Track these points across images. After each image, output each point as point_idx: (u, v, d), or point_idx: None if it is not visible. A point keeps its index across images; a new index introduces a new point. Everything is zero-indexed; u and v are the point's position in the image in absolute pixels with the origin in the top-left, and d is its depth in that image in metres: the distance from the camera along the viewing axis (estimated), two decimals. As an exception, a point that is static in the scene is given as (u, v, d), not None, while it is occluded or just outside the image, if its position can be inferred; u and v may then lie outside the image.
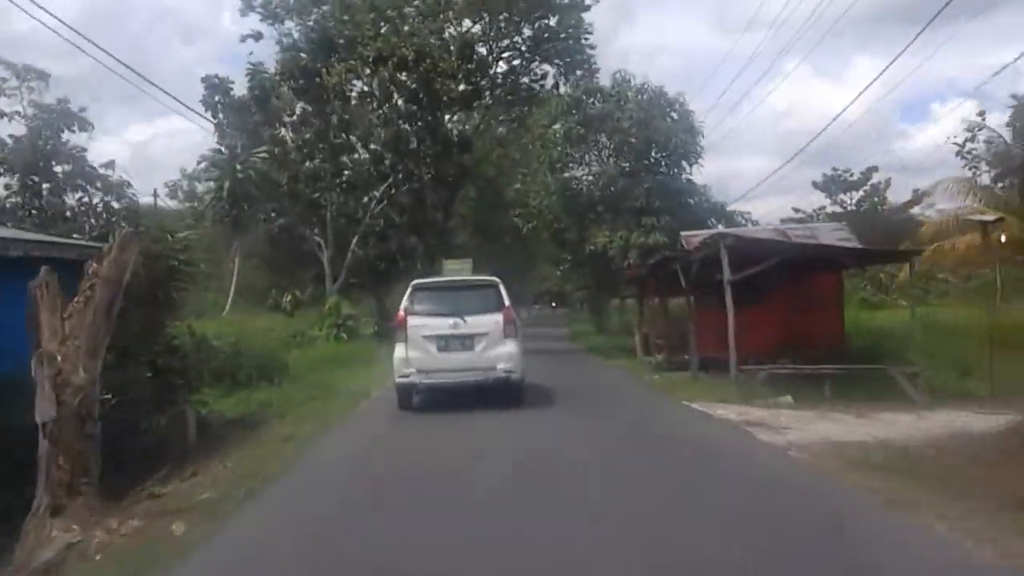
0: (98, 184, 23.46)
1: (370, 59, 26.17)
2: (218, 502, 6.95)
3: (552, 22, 30.85)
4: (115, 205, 23.45)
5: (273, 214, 30.03)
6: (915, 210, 44.35)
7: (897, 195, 51.41)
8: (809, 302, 16.77)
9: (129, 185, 24.89)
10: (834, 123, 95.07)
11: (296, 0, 28.92)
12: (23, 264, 8.25)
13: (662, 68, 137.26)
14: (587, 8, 30.57)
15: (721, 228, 21.63)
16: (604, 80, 28.01)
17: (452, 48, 28.29)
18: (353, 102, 28.48)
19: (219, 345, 13.55)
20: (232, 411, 12.41)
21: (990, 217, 14.75)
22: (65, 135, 25.91)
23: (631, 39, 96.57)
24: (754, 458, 8.24)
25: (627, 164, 24.68)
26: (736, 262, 13.70)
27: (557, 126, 25.73)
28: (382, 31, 26.87)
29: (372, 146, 29.06)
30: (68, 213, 23.69)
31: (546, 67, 32.03)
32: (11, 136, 25.86)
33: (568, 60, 31.33)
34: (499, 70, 31.90)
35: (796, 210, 55.65)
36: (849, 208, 54.67)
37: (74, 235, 18.33)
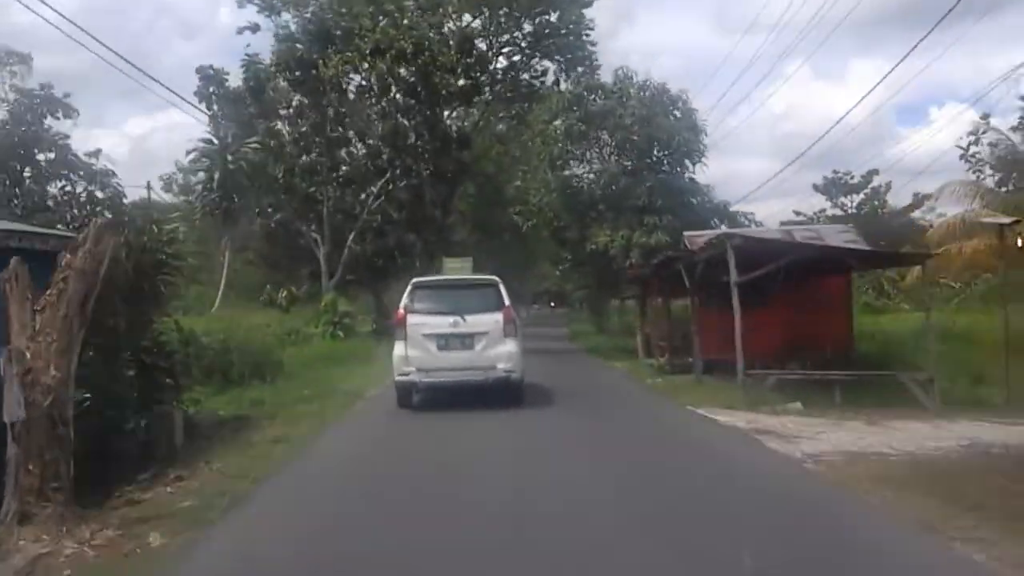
0: (81, 173, 22.56)
1: (367, 51, 25.68)
2: (200, 509, 6.54)
3: (553, 18, 30.51)
4: (99, 195, 22.79)
5: (270, 209, 29.59)
6: (916, 214, 44.25)
7: (898, 199, 51.08)
8: (816, 305, 16.46)
9: (113, 174, 24.05)
10: (834, 125, 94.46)
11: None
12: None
13: (662, 68, 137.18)
14: (588, 4, 30.21)
15: (724, 228, 21.24)
16: (605, 77, 27.65)
17: (451, 43, 27.87)
18: (350, 95, 28.01)
19: (208, 342, 13.11)
20: (224, 410, 12.02)
21: (1007, 220, 14.31)
22: (48, 121, 24.92)
23: (630, 39, 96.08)
24: (767, 470, 7.82)
25: (629, 162, 24.26)
26: (742, 263, 13.30)
27: (558, 122, 25.29)
28: (380, 24, 26.40)
29: (369, 140, 28.60)
30: (50, 202, 22.86)
31: (547, 63, 31.73)
32: (-9, 121, 24.78)
33: (569, 56, 30.99)
34: (499, 66, 31.54)
35: (797, 213, 55.30)
36: (850, 211, 54.37)
37: (58, 226, 17.74)
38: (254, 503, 6.80)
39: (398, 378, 11.97)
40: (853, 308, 17.44)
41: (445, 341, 11.90)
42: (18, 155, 22.98)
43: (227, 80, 26.63)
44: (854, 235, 18.39)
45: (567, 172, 25.73)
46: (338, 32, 26.49)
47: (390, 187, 28.48)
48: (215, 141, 24.89)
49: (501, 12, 30.19)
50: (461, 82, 27.92)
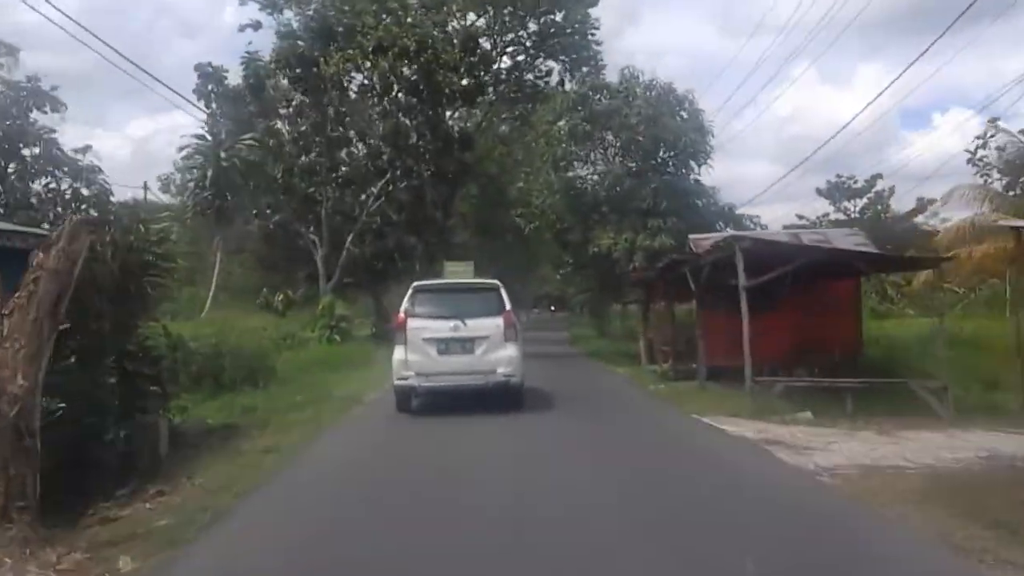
0: (65, 169, 21.81)
1: (370, 49, 25.30)
2: (178, 527, 6.15)
3: (558, 17, 30.22)
4: (84, 192, 21.46)
5: (268, 210, 29.22)
6: (920, 218, 43.91)
7: (901, 203, 50.73)
8: (823, 310, 16.09)
9: (100, 171, 22.81)
10: (841, 130, 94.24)
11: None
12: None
13: (667, 69, 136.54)
14: (593, 3, 29.90)
15: (730, 231, 20.84)
16: (610, 77, 27.23)
17: (455, 42, 27.51)
18: (352, 94, 27.63)
19: (196, 347, 12.72)
20: (214, 417, 11.63)
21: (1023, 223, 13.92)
22: (35, 115, 23.79)
23: (635, 40, 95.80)
24: (779, 483, 7.41)
25: (634, 163, 23.85)
26: (750, 266, 12.93)
27: (562, 123, 24.87)
28: (384, 21, 26.03)
29: (370, 140, 28.19)
30: (33, 199, 22.00)
31: (551, 63, 31.40)
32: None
33: (574, 56, 30.71)
34: (503, 65, 31.19)
35: (800, 217, 55.02)
36: (853, 215, 54.04)
37: (44, 224, 17.24)
38: (237, 518, 6.43)
39: (397, 382, 11.90)
40: (862, 313, 16.96)
41: (445, 345, 11.84)
42: (2, 149, 22.17)
43: (226, 78, 26.28)
44: (863, 239, 18.02)
45: (571, 173, 25.30)
46: (340, 29, 26.12)
47: (390, 188, 28.09)
48: (208, 137, 24.36)
49: (506, 11, 29.88)
50: (464, 81, 27.50)
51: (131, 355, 9.17)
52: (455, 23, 29.65)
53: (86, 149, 22.60)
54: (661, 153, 23.54)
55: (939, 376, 12.85)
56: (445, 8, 29.04)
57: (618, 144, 24.31)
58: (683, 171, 23.67)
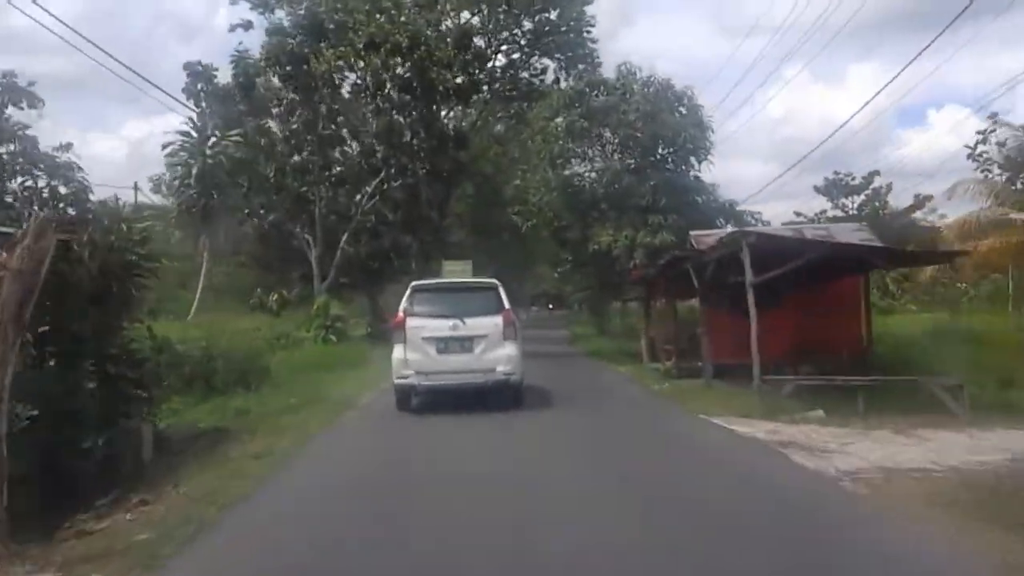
0: (42, 166, 21.09)
1: (361, 45, 24.80)
2: (158, 542, 5.74)
3: (553, 15, 29.80)
4: (62, 190, 20.27)
5: (262, 210, 28.75)
6: (917, 215, 43.71)
7: (899, 200, 50.51)
8: (830, 307, 15.72)
9: (79, 168, 21.56)
10: (839, 129, 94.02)
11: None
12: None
13: (661, 71, 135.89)
14: (589, 1, 29.53)
15: (730, 228, 20.48)
16: (607, 74, 26.80)
17: (449, 40, 27.05)
18: (344, 92, 27.15)
19: (184, 349, 12.30)
20: (205, 421, 11.27)
21: (1039, 215, 13.57)
22: (11, 111, 22.76)
23: (629, 44, 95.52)
24: (800, 489, 6.95)
25: (633, 160, 23.42)
26: (755, 262, 12.54)
27: (559, 120, 24.42)
28: (376, 19, 25.56)
29: (363, 138, 27.70)
30: (9, 198, 21.47)
31: (546, 61, 31.00)
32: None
33: (569, 54, 30.32)
34: (498, 64, 30.77)
35: (798, 214, 54.77)
36: (851, 212, 53.83)
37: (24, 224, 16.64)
38: (221, 532, 6.01)
39: (397, 381, 11.92)
40: (870, 310, 16.59)
41: (444, 344, 11.88)
42: (-23, 147, 21.41)
43: (216, 77, 25.79)
44: (868, 234, 17.65)
45: (568, 171, 24.87)
46: (331, 26, 25.64)
47: (385, 187, 27.60)
48: (193, 134, 23.84)
49: (500, 9, 29.46)
50: (459, 79, 27.01)
51: (113, 358, 8.76)
52: (449, 22, 29.24)
53: (67, 147, 21.88)
54: (660, 149, 23.13)
55: (952, 373, 12.51)
56: (439, 6, 28.63)
57: (616, 141, 23.89)
58: (683, 167, 23.26)
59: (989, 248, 19.84)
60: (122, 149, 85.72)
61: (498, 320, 12.02)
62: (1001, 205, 21.06)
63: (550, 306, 74.46)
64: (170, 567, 5.18)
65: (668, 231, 21.17)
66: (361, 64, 26.29)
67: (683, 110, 23.05)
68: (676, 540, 5.43)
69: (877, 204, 53.98)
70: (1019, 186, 26.55)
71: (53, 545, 5.84)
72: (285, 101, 26.43)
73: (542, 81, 30.76)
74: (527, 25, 30.06)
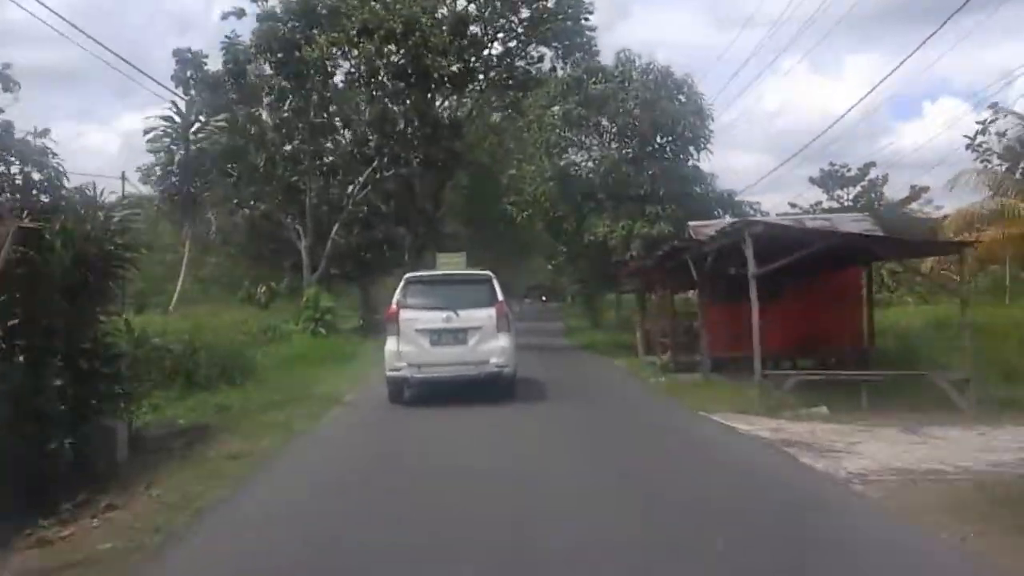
0: (14, 152, 20.42)
1: (354, 31, 24.22)
2: (122, 553, 5.35)
3: (550, 3, 29.18)
4: (36, 176, 20.07)
5: (253, 202, 28.24)
6: (913, 206, 43.47)
7: (894, 191, 50.25)
8: (832, 298, 15.37)
9: (53, 154, 21.16)
10: (836, 122, 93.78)
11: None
12: None
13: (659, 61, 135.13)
14: (586, -13, 28.93)
15: (728, 219, 20.10)
16: (604, 63, 26.24)
17: (444, 27, 26.48)
18: (336, 79, 26.61)
19: (161, 342, 11.85)
20: (186, 417, 10.84)
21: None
22: None
23: (626, 36, 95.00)
24: (810, 495, 6.54)
25: (630, 150, 22.98)
26: (757, 253, 12.14)
27: (556, 108, 23.94)
28: (371, 4, 24.96)
29: (356, 127, 27.14)
30: None
31: (543, 50, 30.42)
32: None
33: (566, 43, 29.72)
34: (494, 52, 30.19)
35: (793, 205, 54.49)
36: (846, 203, 53.55)
37: None
38: (192, 542, 5.61)
39: (390, 373, 11.93)
40: (872, 302, 16.24)
41: (438, 336, 11.93)
42: (-54, 132, 20.73)
43: (206, 64, 25.21)
44: (871, 224, 17.28)
45: (564, 160, 24.41)
46: (324, 12, 25.05)
47: (377, 176, 27.08)
48: (176, 119, 23.24)
49: (497, -3, 28.86)
50: (454, 67, 26.45)
51: (87, 353, 8.32)
52: (444, 10, 28.65)
53: (44, 133, 21.12)
54: (659, 138, 22.70)
55: (957, 367, 12.18)
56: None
57: (614, 129, 23.45)
58: (681, 157, 22.84)
59: (991, 239, 19.59)
60: (115, 142, 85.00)
61: (492, 312, 12.00)
62: (1004, 195, 20.80)
63: (543, 298, 74.17)
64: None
65: (666, 221, 20.79)
66: (355, 53, 25.75)
67: (683, 98, 22.61)
68: (681, 545, 5.08)
69: (873, 196, 53.79)
70: (1018, 176, 26.30)
71: (9, 555, 5.43)
72: (276, 89, 25.81)
73: (539, 70, 30.25)
74: (524, 13, 29.41)
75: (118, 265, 9.09)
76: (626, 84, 22.82)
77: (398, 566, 4.89)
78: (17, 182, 9.55)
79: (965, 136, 33.66)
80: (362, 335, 25.40)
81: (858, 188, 55.08)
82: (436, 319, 11.91)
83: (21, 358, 7.74)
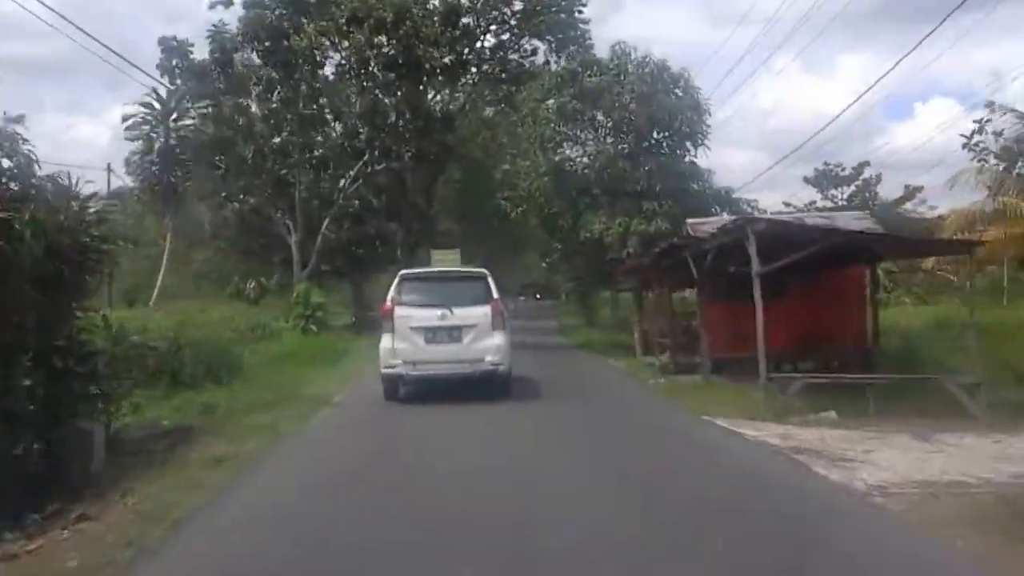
0: None
1: (344, 20, 23.69)
2: (94, 569, 4.98)
3: (544, -6, 28.73)
4: (4, 164, 19.35)
5: (243, 195, 27.67)
6: (907, 206, 43.34)
7: (888, 191, 50.16)
8: (835, 298, 15.04)
9: (24, 140, 20.42)
10: (832, 121, 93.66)
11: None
12: None
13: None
14: (580, -20, 28.52)
15: (726, 216, 19.75)
16: (599, 56, 25.80)
17: (436, 17, 25.98)
18: (326, 70, 26.03)
19: (141, 340, 11.37)
20: (170, 418, 10.41)
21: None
22: None
23: (619, 30, 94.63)
24: (828, 509, 6.14)
25: (626, 145, 22.57)
26: (760, 251, 11.77)
27: (551, 101, 23.49)
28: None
29: (346, 119, 26.58)
30: None
31: (536, 43, 30.00)
32: None
33: (560, 36, 29.32)
34: (487, 44, 29.76)
35: (787, 204, 54.34)
36: (840, 203, 53.44)
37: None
38: (166, 558, 5.20)
39: (385, 371, 11.90)
40: (876, 303, 15.91)
41: (433, 334, 11.90)
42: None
43: (192, 52, 24.60)
44: (872, 223, 16.96)
45: (559, 155, 23.96)
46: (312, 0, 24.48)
47: (368, 170, 26.55)
48: (156, 105, 22.61)
49: (490, -13, 28.39)
50: (447, 59, 25.95)
51: (61, 350, 7.86)
52: (435, 1, 28.17)
53: (19, 119, 20.55)
54: (655, 133, 22.28)
55: (963, 369, 11.86)
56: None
57: (610, 124, 23.02)
58: (678, 152, 22.44)
59: (993, 239, 19.33)
60: (106, 134, 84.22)
61: (487, 310, 11.97)
62: (1005, 194, 20.54)
63: (537, 296, 73.88)
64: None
65: (663, 218, 20.40)
66: (345, 44, 25.22)
67: (679, 92, 22.20)
68: (692, 562, 4.71)
69: (867, 195, 53.70)
70: (1015, 175, 26.10)
71: (-35, 574, 5.01)
72: (264, 79, 25.22)
73: (532, 63, 29.83)
74: (517, 4, 28.96)
75: (95, 258, 8.64)
76: (622, 77, 22.40)
77: None
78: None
79: (962, 135, 33.46)
80: (354, 332, 24.93)
81: (852, 187, 55.07)
82: (431, 316, 11.86)
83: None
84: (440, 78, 27.25)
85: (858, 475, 6.96)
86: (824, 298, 14.86)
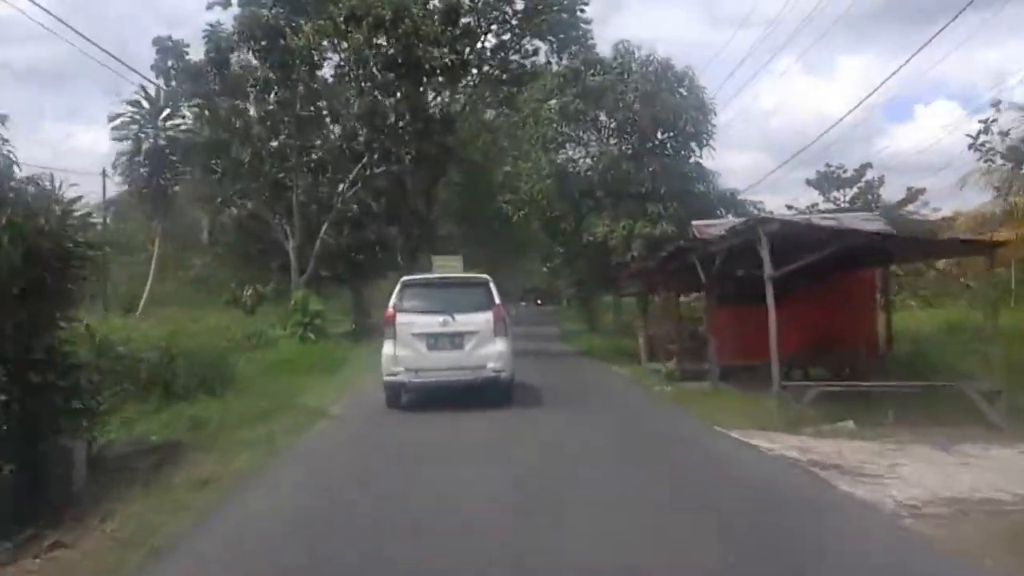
0: None
1: (342, 18, 23.29)
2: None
3: (545, -6, 28.40)
4: None
5: (240, 200, 27.29)
6: (910, 208, 43.04)
7: (891, 194, 49.80)
8: (845, 301, 14.63)
9: (4, 140, 19.88)
10: (836, 124, 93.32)
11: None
12: None
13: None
14: (582, -20, 28.21)
15: (731, 218, 19.35)
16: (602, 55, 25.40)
17: (436, 16, 25.61)
18: (324, 70, 25.64)
19: (127, 351, 10.96)
20: (159, 433, 9.93)
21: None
22: None
23: (620, 30, 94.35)
24: (857, 531, 5.68)
25: (630, 146, 22.16)
26: (771, 253, 11.35)
27: (553, 102, 23.08)
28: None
29: (344, 121, 26.17)
30: None
31: (538, 43, 29.70)
32: None
33: (562, 36, 29.03)
34: (487, 44, 29.42)
35: (790, 207, 54.01)
36: (842, 205, 53.13)
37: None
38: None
39: (387, 378, 11.86)
40: (889, 307, 15.48)
41: (435, 340, 11.86)
42: None
43: (187, 53, 24.20)
44: (882, 224, 16.56)
45: (562, 157, 23.56)
46: (310, -1, 24.10)
47: (368, 172, 26.14)
48: (145, 104, 22.13)
49: (490, -13, 28.06)
50: (447, 59, 25.53)
51: (40, 364, 7.45)
52: (435, 1, 27.83)
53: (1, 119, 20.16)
54: (660, 134, 21.89)
55: (979, 375, 11.46)
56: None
57: (613, 124, 22.62)
58: (683, 153, 22.03)
59: (1005, 240, 18.95)
60: (105, 142, 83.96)
61: (489, 316, 11.90)
62: (1017, 195, 20.20)
63: (539, 301, 73.52)
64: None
65: (669, 221, 19.98)
66: (344, 45, 24.85)
67: (684, 91, 21.77)
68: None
69: (870, 197, 53.36)
70: (1023, 175, 25.77)
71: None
72: (261, 79, 24.78)
73: (533, 64, 29.51)
74: (518, 4, 28.70)
75: (78, 265, 8.23)
76: (625, 76, 21.98)
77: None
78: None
79: (968, 135, 33.09)
80: (354, 340, 24.52)
81: (854, 190, 54.73)
82: (433, 323, 11.81)
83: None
84: (440, 78, 26.89)
85: (886, 492, 6.53)
86: (835, 302, 14.46)
